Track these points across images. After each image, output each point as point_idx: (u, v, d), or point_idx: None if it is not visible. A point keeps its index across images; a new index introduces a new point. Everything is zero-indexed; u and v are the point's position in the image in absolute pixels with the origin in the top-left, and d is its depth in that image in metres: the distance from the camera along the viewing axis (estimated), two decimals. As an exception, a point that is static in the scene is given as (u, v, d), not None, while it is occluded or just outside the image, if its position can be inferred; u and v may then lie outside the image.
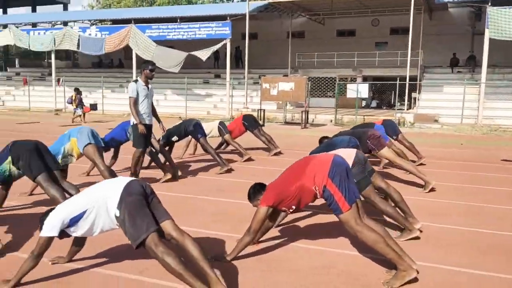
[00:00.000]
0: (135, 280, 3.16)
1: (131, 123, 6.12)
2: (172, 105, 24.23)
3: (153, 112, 6.30)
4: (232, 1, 38.96)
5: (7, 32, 26.81)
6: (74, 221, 2.88)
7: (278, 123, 18.23)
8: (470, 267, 3.52)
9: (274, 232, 4.22)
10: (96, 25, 27.47)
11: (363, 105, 26.55)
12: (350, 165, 3.96)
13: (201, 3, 37.92)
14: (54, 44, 25.73)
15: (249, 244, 3.54)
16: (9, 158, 4.27)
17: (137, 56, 24.20)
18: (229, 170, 7.22)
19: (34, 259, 2.92)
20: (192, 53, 23.27)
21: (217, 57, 29.54)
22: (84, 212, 2.86)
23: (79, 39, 25.16)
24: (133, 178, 3.01)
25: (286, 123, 18.04)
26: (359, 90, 17.74)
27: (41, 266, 3.22)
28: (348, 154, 4.08)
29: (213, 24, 22.79)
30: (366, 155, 6.14)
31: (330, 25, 28.55)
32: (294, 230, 4.43)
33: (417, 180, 6.36)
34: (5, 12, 44.00)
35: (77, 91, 17.33)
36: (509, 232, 4.41)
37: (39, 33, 26.85)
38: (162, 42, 24.06)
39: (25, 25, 28.80)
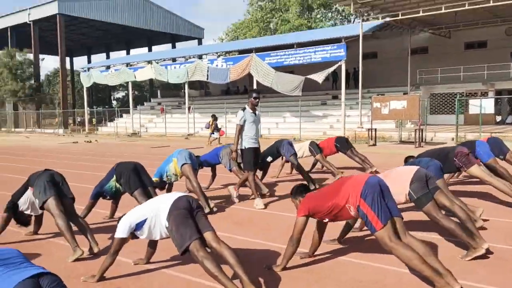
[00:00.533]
0: (195, 282, 3.66)
1: (243, 147, 6.45)
2: (290, 127, 25.01)
3: None
4: (352, 22, 38.89)
5: (149, 68, 30.70)
6: (139, 226, 3.51)
7: (393, 142, 17.70)
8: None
9: (327, 246, 4.42)
10: (223, 56, 29.85)
11: (497, 121, 24.23)
12: (409, 182, 4.06)
13: (320, 28, 38.65)
14: (187, 76, 28.65)
15: (293, 253, 3.82)
16: (114, 177, 5.22)
17: (257, 82, 25.73)
18: (316, 189, 7.45)
19: (111, 257, 3.62)
20: (308, 76, 23.92)
21: (336, 78, 29.78)
22: (145, 220, 3.48)
23: (208, 70, 27.71)
24: (183, 194, 3.55)
25: (402, 142, 17.42)
26: (483, 105, 16.36)
27: (125, 266, 3.95)
28: (407, 171, 4.21)
29: (328, 47, 23.16)
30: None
31: (456, 38, 26.88)
32: (347, 244, 4.53)
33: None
34: (150, 50, 50.37)
35: (214, 117, 19.34)
36: None
37: (175, 67, 30.15)
38: (280, 68, 25.20)
39: (163, 60, 32.53)
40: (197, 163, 6.61)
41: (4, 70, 36.03)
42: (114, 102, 64.93)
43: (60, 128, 36.05)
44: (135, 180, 5.13)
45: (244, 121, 6.37)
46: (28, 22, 38.70)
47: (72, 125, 38.07)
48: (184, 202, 3.41)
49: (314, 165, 9.49)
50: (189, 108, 28.00)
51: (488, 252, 4.03)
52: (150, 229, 3.50)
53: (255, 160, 6.51)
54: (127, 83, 34.27)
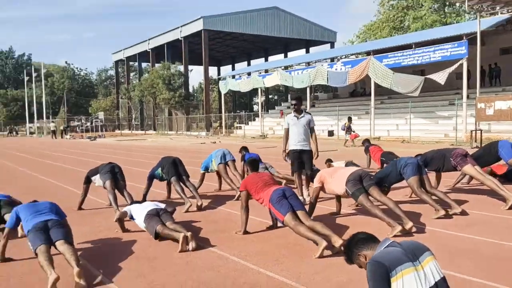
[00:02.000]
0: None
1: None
2: (414, 129, 24.35)
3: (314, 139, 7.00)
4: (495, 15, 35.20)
5: (276, 75, 32.92)
6: (132, 217, 5.36)
7: None
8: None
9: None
10: (342, 60, 30.45)
11: None
12: (345, 181, 5.18)
13: (457, 23, 36.21)
14: (310, 80, 30.02)
15: (247, 218, 5.19)
16: (160, 166, 7.05)
17: (375, 84, 25.84)
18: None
19: (117, 219, 5.42)
20: (429, 76, 23.20)
21: (469, 76, 27.85)
22: (133, 217, 5.32)
23: (327, 74, 28.67)
24: (154, 207, 5.28)
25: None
26: None
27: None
28: (347, 172, 5.40)
29: (448, 46, 22.16)
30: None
31: None
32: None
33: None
34: (286, 56, 53.05)
35: (349, 120, 20.42)
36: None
37: (298, 73, 31.79)
38: (398, 69, 24.84)
39: (287, 66, 34.37)
40: (230, 157, 8.03)
41: (159, 81, 42.10)
42: (255, 107, 69.62)
43: (203, 131, 40.63)
44: (172, 170, 6.93)
45: (288, 124, 7.05)
46: (180, 38, 44.47)
47: (218, 128, 42.40)
48: (153, 211, 5.20)
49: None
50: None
51: (409, 231, 4.83)
52: (138, 221, 5.29)
53: (299, 161, 6.87)
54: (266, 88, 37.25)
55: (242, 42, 51.74)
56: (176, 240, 4.63)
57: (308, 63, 34.07)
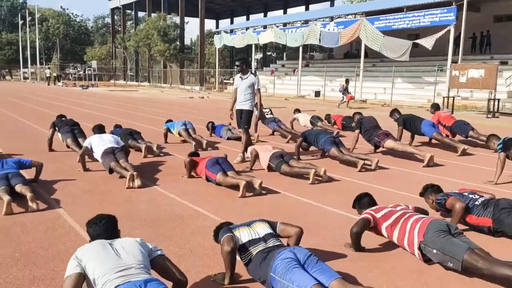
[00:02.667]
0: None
1: None
2: (397, 93, 24.86)
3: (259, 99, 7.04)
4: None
5: (270, 32, 32.83)
6: (92, 149, 6.01)
7: (481, 112, 16.90)
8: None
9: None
10: (334, 20, 30.38)
11: None
12: (269, 157, 6.22)
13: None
14: (303, 39, 30.02)
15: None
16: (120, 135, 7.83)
17: (365, 46, 26.00)
18: None
19: (80, 156, 6.10)
20: (417, 41, 23.39)
21: (458, 43, 27.95)
22: (95, 152, 5.97)
23: (320, 34, 28.68)
24: (110, 146, 5.89)
25: (490, 112, 16.59)
26: None
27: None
28: (269, 150, 6.43)
29: (438, 11, 22.24)
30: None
31: None
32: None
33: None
34: (285, 12, 52.43)
35: (346, 81, 20.79)
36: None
37: (291, 31, 31.71)
38: (390, 33, 24.90)
39: (282, 24, 34.21)
40: (191, 126, 8.91)
41: (154, 32, 41.77)
42: (254, 63, 69.43)
43: (197, 85, 40.81)
44: (127, 137, 7.70)
45: (236, 85, 7.20)
46: (177, -12, 43.63)
47: (214, 83, 42.26)
48: (109, 149, 5.86)
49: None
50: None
51: (324, 175, 5.75)
52: (96, 155, 5.98)
53: (244, 119, 6.98)
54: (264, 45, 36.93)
55: (242, -5, 50.92)
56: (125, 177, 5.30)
57: (306, 21, 33.87)
